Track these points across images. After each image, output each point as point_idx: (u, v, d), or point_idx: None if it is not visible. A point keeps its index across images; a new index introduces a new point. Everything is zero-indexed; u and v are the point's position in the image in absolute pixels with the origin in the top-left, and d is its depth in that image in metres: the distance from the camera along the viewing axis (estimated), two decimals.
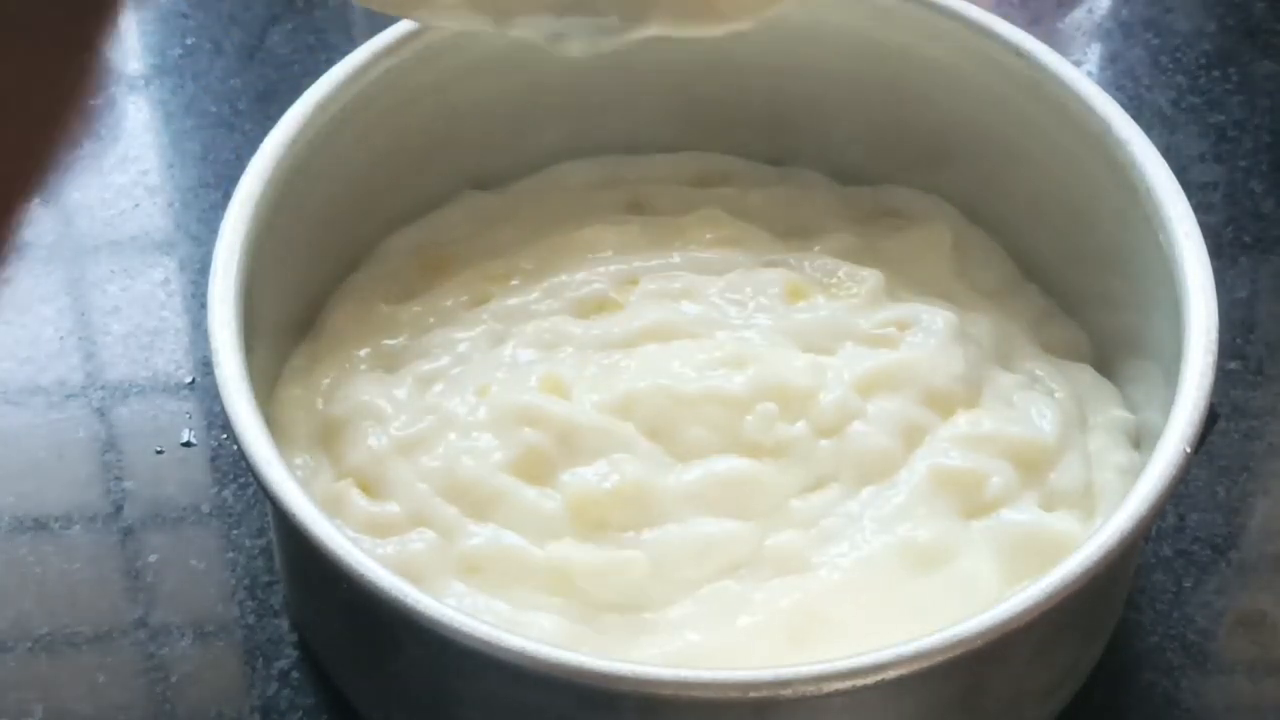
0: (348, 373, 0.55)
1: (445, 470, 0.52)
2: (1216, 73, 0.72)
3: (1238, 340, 0.63)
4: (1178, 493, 0.51)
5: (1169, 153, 0.54)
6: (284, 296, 0.56)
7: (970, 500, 0.51)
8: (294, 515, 0.45)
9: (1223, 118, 0.70)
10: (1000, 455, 0.52)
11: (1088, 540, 0.45)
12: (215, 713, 0.54)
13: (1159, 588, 0.56)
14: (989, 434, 0.52)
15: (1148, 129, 0.54)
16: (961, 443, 0.52)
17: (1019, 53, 0.56)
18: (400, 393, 0.54)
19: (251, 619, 0.55)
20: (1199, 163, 0.69)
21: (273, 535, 0.56)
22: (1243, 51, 0.73)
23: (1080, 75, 0.55)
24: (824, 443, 0.52)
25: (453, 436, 0.52)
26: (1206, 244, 0.51)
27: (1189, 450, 0.46)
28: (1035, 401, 0.54)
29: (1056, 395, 0.55)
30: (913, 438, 0.52)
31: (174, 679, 0.54)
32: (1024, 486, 0.52)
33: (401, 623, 0.44)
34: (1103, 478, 0.52)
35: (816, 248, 0.59)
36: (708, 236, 0.59)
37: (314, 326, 0.57)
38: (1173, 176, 0.52)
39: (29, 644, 0.55)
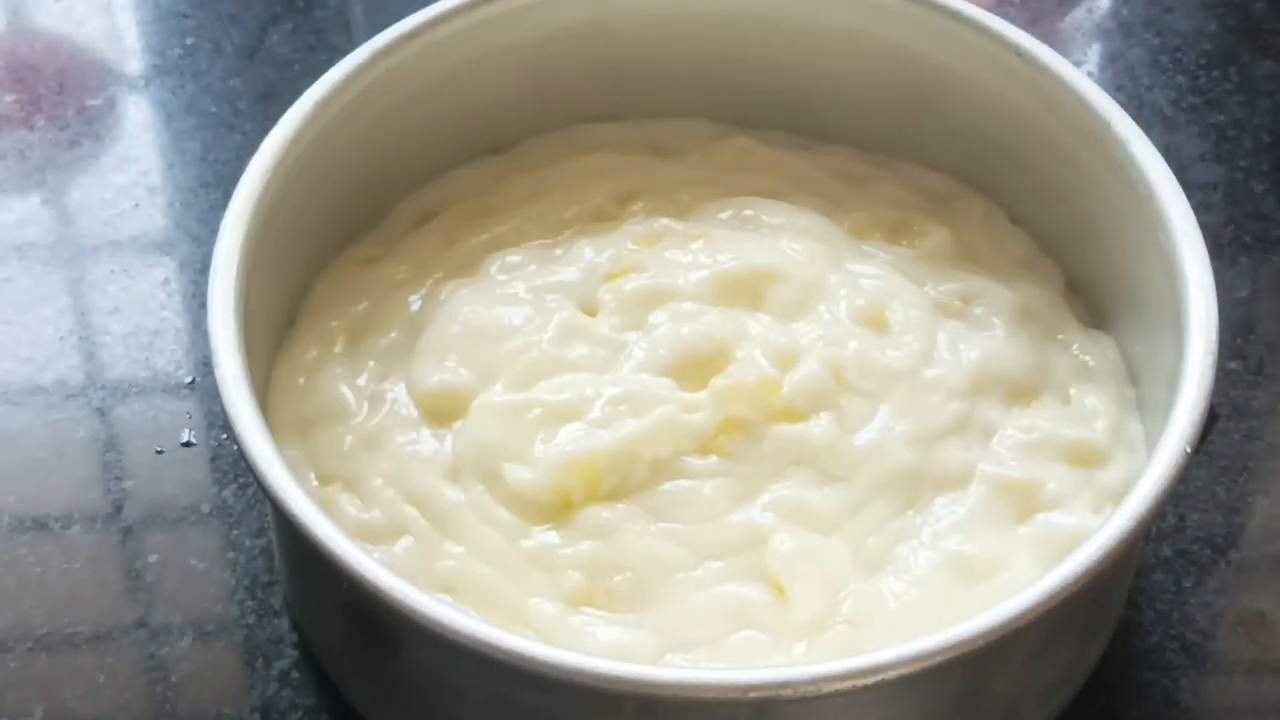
0: (324, 351, 0.55)
1: (397, 475, 0.52)
2: (1216, 73, 0.72)
3: (1238, 340, 0.63)
4: (1177, 493, 0.51)
5: (1169, 153, 0.54)
6: (285, 293, 0.56)
7: (1025, 507, 0.51)
8: (295, 517, 0.45)
9: (1223, 118, 0.70)
10: (1057, 459, 0.52)
11: (1087, 541, 0.45)
12: (215, 713, 0.53)
13: (1159, 588, 0.56)
14: (1047, 438, 0.52)
15: (1148, 129, 0.54)
16: (1021, 450, 0.52)
17: (1019, 53, 0.56)
18: (362, 380, 0.54)
19: (251, 619, 0.55)
20: (1199, 163, 0.69)
21: (273, 535, 0.56)
22: (1243, 51, 0.73)
23: (1080, 75, 0.55)
24: (918, 467, 0.51)
25: (399, 438, 0.52)
26: (1206, 244, 0.51)
27: (1189, 450, 0.46)
28: (1088, 394, 0.54)
29: (1098, 378, 0.55)
30: (985, 440, 0.52)
31: (174, 679, 0.54)
32: (1077, 487, 0.52)
33: (401, 623, 0.44)
34: (1136, 468, 0.52)
35: (871, 196, 0.59)
36: (741, 166, 0.59)
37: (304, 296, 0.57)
38: (1172, 177, 0.52)
39: (29, 644, 0.55)
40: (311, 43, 0.73)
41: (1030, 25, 0.72)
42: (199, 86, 0.72)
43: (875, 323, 0.54)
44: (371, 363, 0.55)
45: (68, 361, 0.63)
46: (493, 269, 0.56)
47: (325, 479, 0.52)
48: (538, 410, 0.51)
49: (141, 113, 0.71)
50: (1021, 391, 0.54)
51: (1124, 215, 0.54)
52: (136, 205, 0.68)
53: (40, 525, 0.58)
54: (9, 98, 0.72)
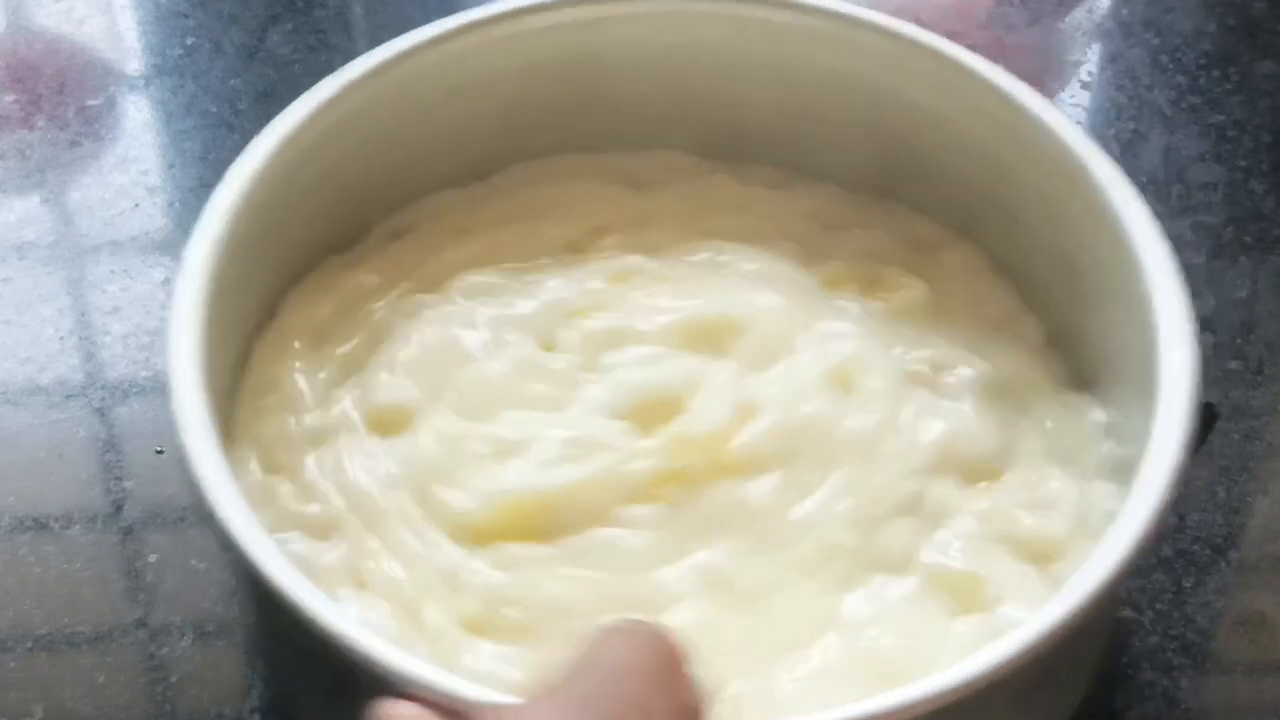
0: (285, 349, 0.55)
1: (337, 475, 0.51)
2: (1216, 73, 0.72)
3: (1237, 340, 0.63)
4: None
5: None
6: (259, 297, 0.56)
7: (963, 601, 0.49)
8: (283, 595, 0.44)
9: (1223, 118, 0.70)
10: (1007, 553, 0.50)
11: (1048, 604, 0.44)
12: (215, 713, 0.54)
13: (1159, 588, 0.56)
14: (1000, 529, 0.50)
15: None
16: (970, 539, 0.50)
17: (997, 94, 0.55)
18: (318, 378, 0.54)
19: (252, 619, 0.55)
20: (1199, 163, 0.69)
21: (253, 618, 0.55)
22: (1243, 51, 0.73)
23: (1059, 115, 0.54)
24: (847, 536, 0.50)
25: (345, 440, 0.52)
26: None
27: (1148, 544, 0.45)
28: (1054, 477, 0.52)
29: (1068, 457, 0.53)
30: (935, 524, 0.50)
31: (174, 679, 0.54)
32: (1024, 583, 0.49)
33: (377, 683, 0.42)
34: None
35: (850, 243, 0.58)
36: (718, 205, 0.58)
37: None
38: (1152, 221, 0.51)
39: (29, 644, 0.55)
40: (311, 43, 0.73)
41: (1030, 25, 0.72)
42: (199, 86, 0.72)
43: (839, 384, 0.53)
44: (330, 367, 0.54)
45: (68, 361, 0.63)
46: (459, 291, 0.56)
47: (271, 468, 0.52)
48: (482, 443, 0.51)
49: (141, 113, 0.71)
50: (982, 473, 0.52)
51: (1103, 263, 0.52)
52: (136, 205, 0.68)
53: (40, 525, 0.58)
54: (9, 98, 0.72)
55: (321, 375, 0.54)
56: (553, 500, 0.50)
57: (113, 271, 0.65)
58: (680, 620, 0.47)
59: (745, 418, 0.51)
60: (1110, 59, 0.74)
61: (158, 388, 0.62)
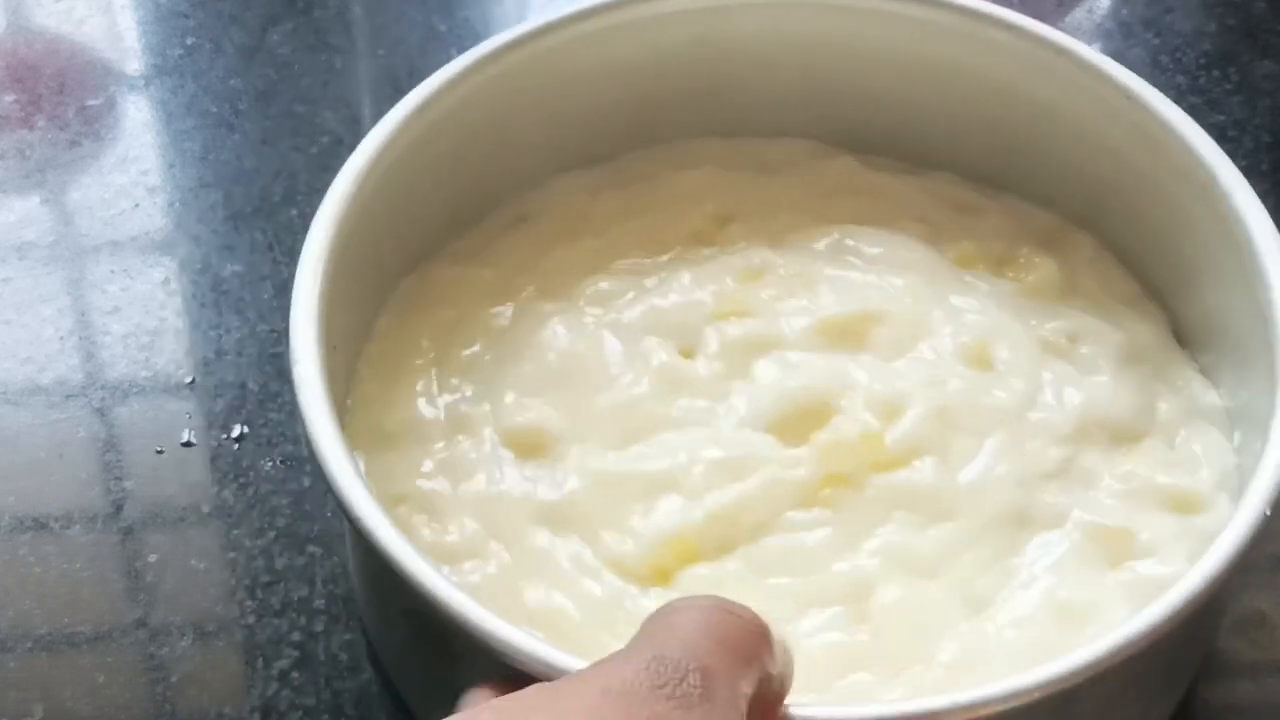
0: (406, 359, 0.54)
1: (482, 511, 0.51)
2: (1216, 73, 0.72)
3: None
4: None
5: None
6: (373, 291, 0.55)
7: (1117, 554, 0.50)
8: (412, 578, 0.43)
9: (1223, 118, 0.70)
10: (1156, 507, 0.51)
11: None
12: (215, 713, 0.54)
13: None
14: (1147, 484, 0.51)
15: None
16: (1119, 496, 0.51)
17: (1128, 95, 0.55)
18: (446, 398, 0.53)
19: (251, 619, 0.55)
20: None
21: (352, 567, 0.55)
22: (1243, 51, 0.73)
23: (1188, 120, 0.54)
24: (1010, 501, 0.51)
25: (485, 471, 0.51)
26: None
27: (1268, 513, 0.45)
28: (1194, 439, 0.53)
29: (1207, 421, 0.53)
30: (1084, 485, 0.51)
31: (174, 679, 0.54)
32: (1174, 536, 0.50)
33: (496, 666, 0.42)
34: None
35: (979, 225, 0.58)
36: (845, 188, 0.59)
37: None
38: (1276, 231, 0.51)
39: (29, 644, 0.55)
40: (311, 43, 0.73)
41: None
42: (199, 86, 0.72)
43: (979, 360, 0.53)
44: (454, 379, 0.54)
45: (68, 361, 0.63)
46: (587, 296, 0.55)
47: (398, 499, 0.51)
48: (636, 481, 0.50)
49: (141, 113, 0.71)
50: (1125, 436, 0.53)
51: (1224, 266, 0.52)
52: (136, 205, 0.68)
53: (40, 525, 0.58)
54: (9, 98, 0.72)
55: (447, 392, 0.53)
56: (716, 523, 0.49)
57: (113, 271, 0.65)
58: (883, 600, 0.48)
59: (893, 415, 0.52)
60: (1110, 59, 0.74)
61: (158, 387, 0.62)
